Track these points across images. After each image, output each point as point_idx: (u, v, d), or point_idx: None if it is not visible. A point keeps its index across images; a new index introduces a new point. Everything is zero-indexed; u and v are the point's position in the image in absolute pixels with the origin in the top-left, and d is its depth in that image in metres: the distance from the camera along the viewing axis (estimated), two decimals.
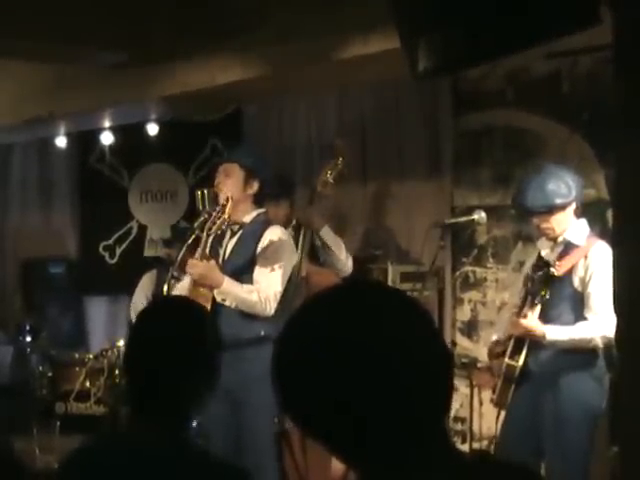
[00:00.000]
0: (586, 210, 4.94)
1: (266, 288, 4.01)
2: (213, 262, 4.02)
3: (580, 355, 3.83)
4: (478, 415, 5.16)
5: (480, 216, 4.35)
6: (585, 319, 3.80)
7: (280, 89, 5.93)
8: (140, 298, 6.20)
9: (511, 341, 3.94)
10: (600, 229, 4.04)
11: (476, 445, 5.24)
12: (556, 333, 3.79)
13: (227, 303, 3.99)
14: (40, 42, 5.19)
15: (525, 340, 3.88)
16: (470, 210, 4.78)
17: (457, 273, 5.68)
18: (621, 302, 2.14)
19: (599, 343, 3.77)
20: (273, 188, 4.56)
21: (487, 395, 4.33)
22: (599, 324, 3.74)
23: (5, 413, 6.29)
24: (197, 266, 3.96)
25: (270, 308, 4.02)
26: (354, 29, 4.67)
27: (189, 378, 2.06)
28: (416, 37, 2.42)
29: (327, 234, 4.85)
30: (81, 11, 4.98)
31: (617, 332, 2.18)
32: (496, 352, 4.05)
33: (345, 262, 4.93)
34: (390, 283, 5.37)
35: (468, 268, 5.65)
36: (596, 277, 3.78)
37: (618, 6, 2.10)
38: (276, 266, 4.06)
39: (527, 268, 4.13)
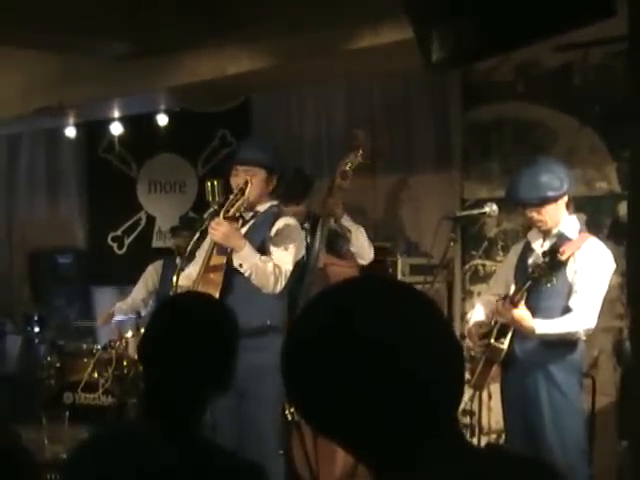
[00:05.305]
0: (598, 203, 4.94)
1: (279, 262, 4.03)
2: (237, 225, 4.03)
3: (563, 346, 3.87)
4: (487, 408, 5.15)
5: (492, 209, 4.33)
6: (570, 310, 3.83)
7: (289, 80, 5.91)
8: (139, 288, 6.19)
9: (497, 324, 3.95)
10: (612, 222, 4.02)
11: (485, 439, 5.23)
12: (545, 327, 3.81)
13: (243, 269, 3.97)
14: (49, 33, 5.18)
15: (510, 325, 3.90)
16: (480, 203, 4.76)
17: (467, 266, 5.67)
18: (635, 297, 2.12)
19: (582, 335, 3.83)
20: (297, 189, 4.58)
21: (496, 388, 4.32)
22: (583, 317, 3.80)
23: (13, 403, 6.30)
24: (222, 225, 3.94)
25: (281, 283, 4.03)
26: (364, 20, 4.65)
27: (204, 375, 2.05)
28: (429, 29, 2.41)
29: (348, 221, 4.87)
30: (91, 1, 4.97)
31: (630, 328, 2.17)
32: (480, 333, 4.07)
33: (367, 248, 4.93)
34: (400, 275, 5.36)
35: (478, 261, 5.63)
36: (587, 271, 3.83)
37: None
38: (289, 246, 4.09)
39: (515, 257, 4.14)
